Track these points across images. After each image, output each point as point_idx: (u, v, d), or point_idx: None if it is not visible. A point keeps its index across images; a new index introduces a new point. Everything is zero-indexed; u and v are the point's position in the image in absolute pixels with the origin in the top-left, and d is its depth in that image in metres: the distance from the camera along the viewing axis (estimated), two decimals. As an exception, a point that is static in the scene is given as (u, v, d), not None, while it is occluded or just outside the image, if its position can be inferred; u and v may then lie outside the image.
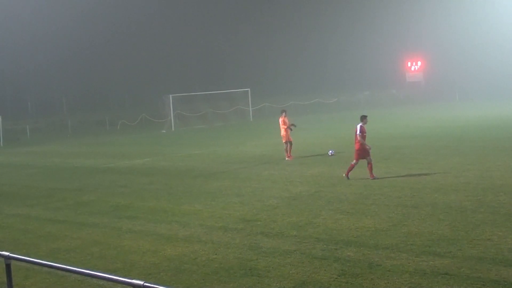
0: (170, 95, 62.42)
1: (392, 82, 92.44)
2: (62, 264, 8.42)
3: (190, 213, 17.06)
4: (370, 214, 15.20)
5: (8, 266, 8.26)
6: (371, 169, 21.16)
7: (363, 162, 21.17)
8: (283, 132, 28.49)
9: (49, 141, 54.85)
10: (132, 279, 6.54)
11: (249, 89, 68.82)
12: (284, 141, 28.45)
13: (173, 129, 59.97)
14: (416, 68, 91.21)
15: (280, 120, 28.77)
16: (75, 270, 8.10)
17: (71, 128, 69.33)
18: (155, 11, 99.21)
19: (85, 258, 13.08)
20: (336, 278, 10.53)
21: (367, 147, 21.33)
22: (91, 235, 15.34)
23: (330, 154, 28.55)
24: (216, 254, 12.55)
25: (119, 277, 7.10)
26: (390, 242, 12.44)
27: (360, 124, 21.44)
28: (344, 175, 21.52)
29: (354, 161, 21.48)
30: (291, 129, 28.58)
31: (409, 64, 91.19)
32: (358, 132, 21.26)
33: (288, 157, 28.12)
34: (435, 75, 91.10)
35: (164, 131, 58.15)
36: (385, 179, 20.68)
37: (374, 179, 20.87)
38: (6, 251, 8.41)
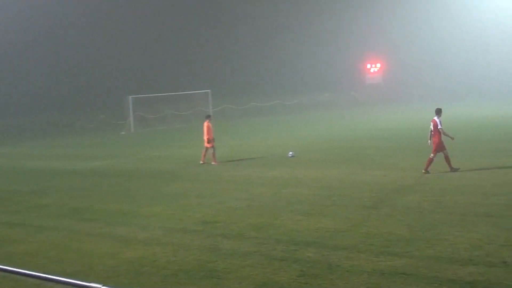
0: (130, 97, 61.95)
1: (352, 84, 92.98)
2: (18, 268, 8.29)
3: (150, 215, 16.96)
4: (329, 215, 15.29)
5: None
6: (449, 162, 21.51)
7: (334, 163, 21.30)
8: (207, 137, 28.25)
9: (4, 143, 53.98)
10: (90, 282, 6.47)
11: (209, 90, 68.66)
12: (210, 146, 28.23)
13: (132, 130, 59.52)
14: (376, 70, 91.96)
15: (205, 125, 28.63)
16: (32, 274, 7.97)
17: (30, 130, 68.31)
18: (113, 11, 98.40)
19: (42, 261, 12.90)
20: (295, 279, 10.56)
21: (452, 138, 21.89)
22: (49, 238, 15.14)
23: (289, 155, 28.66)
24: (175, 256, 12.50)
25: (77, 280, 7.02)
26: (349, 243, 12.53)
27: (439, 118, 21.79)
28: (423, 170, 21.39)
29: (432, 155, 21.62)
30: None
31: (368, 66, 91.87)
32: (440, 125, 21.55)
33: (214, 162, 28.00)
34: (394, 76, 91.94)
35: (124, 133, 57.70)
36: (345, 181, 20.84)
37: (454, 170, 21.21)
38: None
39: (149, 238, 14.23)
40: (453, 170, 21.33)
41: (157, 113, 67.25)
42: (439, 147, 21.55)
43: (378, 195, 17.71)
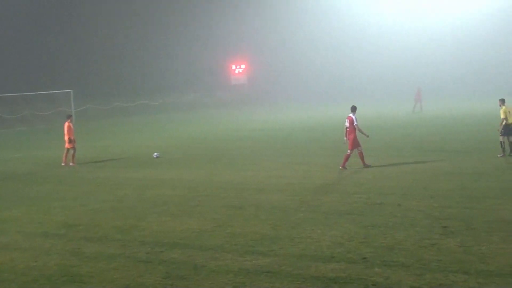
0: (-14, 96, 59.27)
1: (218, 84, 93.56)
2: None
3: (8, 219, 16.23)
4: (195, 216, 15.26)
5: None
6: (363, 158, 22.40)
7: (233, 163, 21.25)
8: (67, 137, 27.61)
9: None
10: None
11: (71, 90, 66.87)
12: (70, 146, 27.60)
13: (-11, 131, 56.96)
14: (240, 71, 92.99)
15: (65, 125, 27.96)
16: None
17: None
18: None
19: None
20: (161, 281, 10.44)
21: (367, 136, 22.85)
22: None
23: (155, 156, 28.38)
24: (36, 261, 12.02)
25: None
26: (215, 243, 12.54)
27: (354, 115, 22.58)
28: (340, 167, 22.13)
29: (349, 151, 22.41)
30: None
31: (233, 66, 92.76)
32: (355, 122, 22.39)
33: (73, 163, 27.47)
34: (259, 77, 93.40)
35: (-20, 134, 55.09)
36: (210, 181, 20.89)
37: (367, 166, 22.18)
38: None
39: (7, 243, 13.60)
40: (366, 166, 22.26)
41: (15, 113, 64.61)
42: (355, 144, 22.38)
43: (243, 195, 17.87)
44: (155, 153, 28.75)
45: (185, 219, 14.91)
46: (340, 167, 22.17)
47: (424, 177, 19.37)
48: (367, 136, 23.05)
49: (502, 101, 24.27)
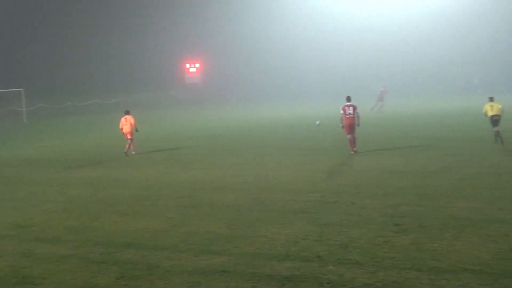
0: None
1: (172, 83, 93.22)
2: None
3: (-43, 220, 15.88)
4: (149, 216, 15.15)
5: None
6: (353, 143, 25.50)
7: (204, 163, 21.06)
8: None
9: None
10: None
11: (22, 89, 65.84)
12: None
13: None
14: (195, 70, 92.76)
15: None
16: None
17: None
18: None
19: None
20: (115, 282, 10.33)
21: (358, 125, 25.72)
22: None
23: (317, 123, 34.79)
24: (-14, 263, 11.79)
25: None
26: (169, 243, 12.46)
27: (353, 104, 25.59)
28: (352, 152, 25.25)
29: (349, 136, 25.55)
30: None
31: (187, 65, 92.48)
32: (357, 109, 25.59)
33: None
34: (214, 76, 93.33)
35: None
36: (164, 180, 20.78)
37: (355, 152, 25.17)
38: None
39: (-44, 245, 13.30)
40: (355, 151, 25.28)
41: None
42: (352, 129, 25.52)
43: (198, 194, 17.81)
44: (317, 121, 33.62)
45: (139, 219, 14.79)
46: (352, 152, 25.24)
47: (378, 175, 19.57)
48: (358, 125, 25.68)
49: (490, 99, 27.53)
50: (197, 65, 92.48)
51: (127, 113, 29.73)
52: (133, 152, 29.07)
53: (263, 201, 16.23)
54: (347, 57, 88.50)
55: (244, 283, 9.96)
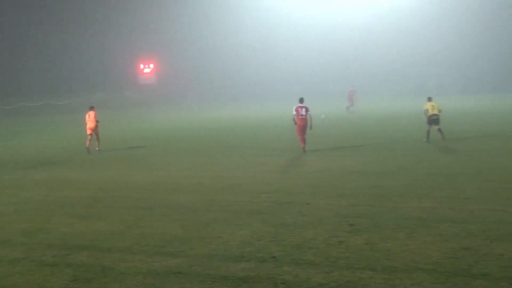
0: None
1: (126, 84, 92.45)
2: None
3: None
4: (103, 217, 14.99)
5: None
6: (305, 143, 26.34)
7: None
8: None
9: None
10: None
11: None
12: None
13: None
14: (149, 71, 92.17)
15: None
16: None
17: None
18: None
19: None
20: (68, 284, 10.21)
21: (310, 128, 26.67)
22: None
23: (322, 118, 36.24)
24: None
25: None
26: (123, 245, 12.36)
27: (305, 105, 26.50)
28: (303, 151, 26.04)
29: (301, 136, 26.41)
30: None
31: (141, 66, 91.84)
32: (309, 111, 26.51)
33: None
34: (168, 77, 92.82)
35: None
36: (119, 181, 20.62)
37: (304, 151, 26.06)
38: None
39: None
40: (304, 150, 25.94)
41: None
42: (304, 130, 26.41)
43: (153, 195, 17.71)
44: (322, 115, 35.72)
45: (93, 221, 14.63)
46: (303, 151, 26.00)
47: (333, 175, 19.72)
48: (311, 128, 26.53)
49: (429, 99, 29.75)
50: (151, 65, 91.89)
51: (91, 108, 30.76)
52: (97, 149, 29.81)
53: (219, 202, 16.21)
54: (307, 58, 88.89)
55: (199, 284, 9.93)
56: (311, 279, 9.84)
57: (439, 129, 28.22)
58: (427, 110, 28.85)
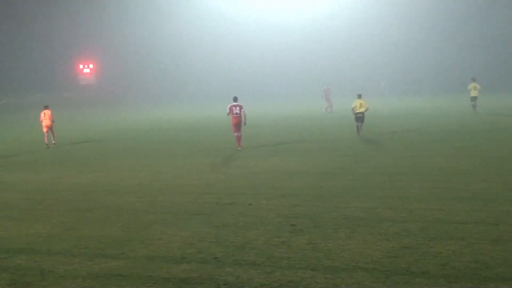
0: None
1: (65, 84, 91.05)
2: None
3: None
4: (42, 220, 14.71)
5: None
6: (239, 141, 27.34)
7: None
8: None
9: None
10: None
11: None
12: None
13: None
14: (88, 71, 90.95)
15: None
16: None
17: None
18: None
19: None
20: (5, 289, 9.99)
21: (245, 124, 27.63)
22: None
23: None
24: None
25: None
26: (63, 247, 12.15)
27: (239, 104, 27.45)
28: (239, 148, 27.07)
29: (236, 133, 27.41)
30: None
31: (81, 66, 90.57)
32: (243, 109, 27.43)
33: None
34: (108, 77, 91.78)
35: None
36: (59, 183, 20.28)
37: (240, 148, 27.05)
38: None
39: None
40: (240, 148, 26.97)
41: None
42: (239, 127, 27.42)
43: (93, 197, 17.48)
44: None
45: (31, 224, 14.34)
46: (239, 148, 27.05)
47: (274, 176, 19.79)
48: (245, 124, 27.48)
49: (359, 96, 32.10)
50: (91, 66, 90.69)
51: (46, 107, 33.37)
52: (53, 142, 32.28)
53: (160, 204, 16.10)
54: (248, 58, 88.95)
55: (140, 286, 9.84)
56: (253, 280, 9.85)
57: (361, 125, 31.15)
58: (354, 107, 31.26)
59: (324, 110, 51.99)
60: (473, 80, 44.01)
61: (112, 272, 10.53)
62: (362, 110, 31.01)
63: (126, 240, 12.46)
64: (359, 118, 31.06)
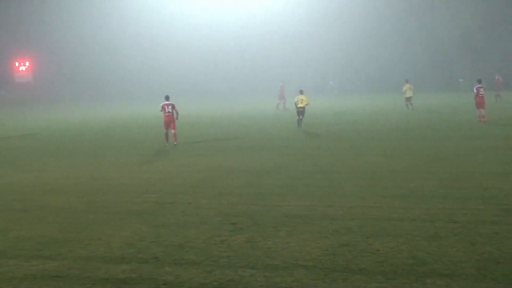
0: None
1: (0, 82, 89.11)
2: None
3: None
4: (-25, 221, 14.36)
5: None
6: (176, 137, 28.24)
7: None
8: None
9: None
10: None
11: None
12: None
13: None
14: (24, 69, 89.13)
15: None
16: None
17: None
18: None
19: None
20: None
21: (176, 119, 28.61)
22: None
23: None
24: None
25: None
26: (-3, 249, 11.89)
27: (172, 103, 28.40)
28: (175, 142, 28.01)
29: (173, 130, 28.18)
30: None
31: (16, 64, 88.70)
32: (176, 107, 28.34)
33: None
34: (46, 75, 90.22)
35: None
36: (-8, 183, 19.83)
37: (176, 144, 27.91)
38: None
39: None
40: (176, 144, 27.88)
41: None
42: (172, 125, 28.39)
43: (28, 197, 17.13)
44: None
45: (-36, 225, 13.98)
46: (173, 143, 27.97)
47: (214, 175, 19.77)
48: (177, 119, 28.46)
49: (301, 92, 35.23)
50: (27, 63, 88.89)
51: None
52: None
53: (98, 203, 15.89)
54: (188, 56, 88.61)
55: (78, 287, 9.70)
56: (193, 279, 9.81)
57: (301, 119, 34.42)
58: (296, 102, 34.77)
59: (276, 107, 52.86)
60: (407, 81, 46.60)
61: (50, 273, 10.35)
62: (303, 105, 34.17)
63: (64, 241, 12.26)
64: (300, 111, 34.27)
